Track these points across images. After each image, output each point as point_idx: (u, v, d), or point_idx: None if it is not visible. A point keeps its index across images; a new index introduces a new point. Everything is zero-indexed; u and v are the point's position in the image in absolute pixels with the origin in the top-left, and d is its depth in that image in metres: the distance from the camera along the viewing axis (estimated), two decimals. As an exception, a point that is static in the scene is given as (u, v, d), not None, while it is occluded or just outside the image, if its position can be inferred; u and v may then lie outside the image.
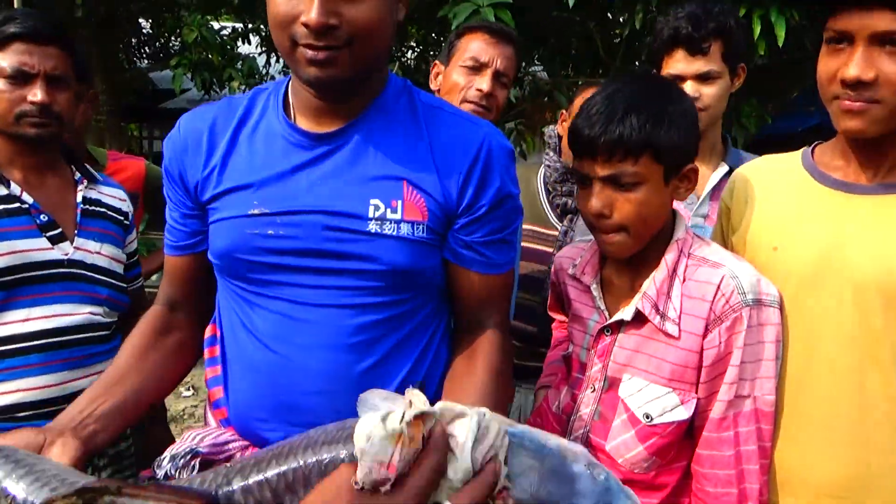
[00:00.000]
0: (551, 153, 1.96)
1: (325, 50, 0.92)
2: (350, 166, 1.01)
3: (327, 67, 0.93)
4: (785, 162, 1.23)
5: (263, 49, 5.42)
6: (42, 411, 1.39)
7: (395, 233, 0.98)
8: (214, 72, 4.15)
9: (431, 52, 5.17)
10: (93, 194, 1.57)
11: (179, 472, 0.98)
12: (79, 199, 1.54)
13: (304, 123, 1.04)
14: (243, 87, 4.34)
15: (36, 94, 1.40)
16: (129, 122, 9.68)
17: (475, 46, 1.68)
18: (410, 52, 5.38)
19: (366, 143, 1.02)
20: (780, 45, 3.12)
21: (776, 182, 1.21)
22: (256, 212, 1.00)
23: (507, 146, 1.08)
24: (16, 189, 1.43)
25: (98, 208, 1.57)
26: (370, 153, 1.02)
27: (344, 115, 1.03)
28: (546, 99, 4.32)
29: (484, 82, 1.64)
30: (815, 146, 1.21)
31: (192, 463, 0.99)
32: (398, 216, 0.99)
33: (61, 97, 1.45)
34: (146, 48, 6.57)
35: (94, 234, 1.53)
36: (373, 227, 0.98)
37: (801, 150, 1.22)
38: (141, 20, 5.54)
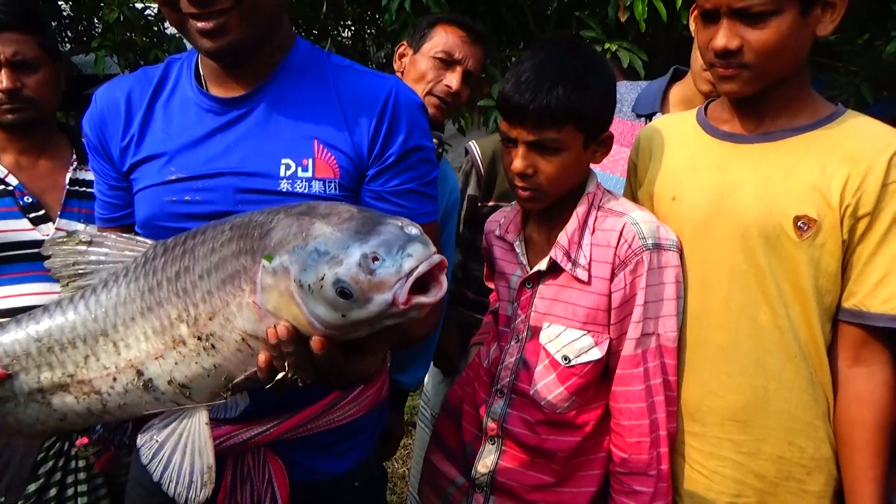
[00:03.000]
0: None
1: (214, 18, 0.93)
2: (261, 127, 1.03)
3: (220, 36, 0.94)
4: (682, 119, 1.33)
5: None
6: None
7: (306, 191, 1.01)
8: (139, 53, 4.02)
9: (368, 31, 5.14)
10: (84, 175, 1.60)
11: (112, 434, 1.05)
12: (66, 180, 1.57)
13: (214, 90, 1.06)
14: (173, 70, 4.19)
15: (1, 81, 1.45)
16: (54, 111, 9.20)
17: (450, 41, 1.65)
18: (347, 31, 5.34)
19: (276, 104, 1.04)
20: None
21: (674, 137, 1.30)
22: (174, 178, 1.03)
23: (416, 99, 1.10)
24: (1, 171, 1.50)
25: (87, 189, 1.59)
26: (280, 113, 1.04)
27: (252, 77, 1.05)
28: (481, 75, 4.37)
29: (454, 80, 1.62)
30: (708, 103, 1.31)
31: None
32: (309, 174, 1.01)
33: (30, 80, 1.50)
34: (68, 32, 6.28)
35: (80, 215, 1.56)
36: (284, 185, 1.00)
37: (697, 107, 1.33)
38: (60, 2, 5.29)
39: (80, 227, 1.55)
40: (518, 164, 1.18)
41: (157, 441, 0.87)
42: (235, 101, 1.05)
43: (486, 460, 1.29)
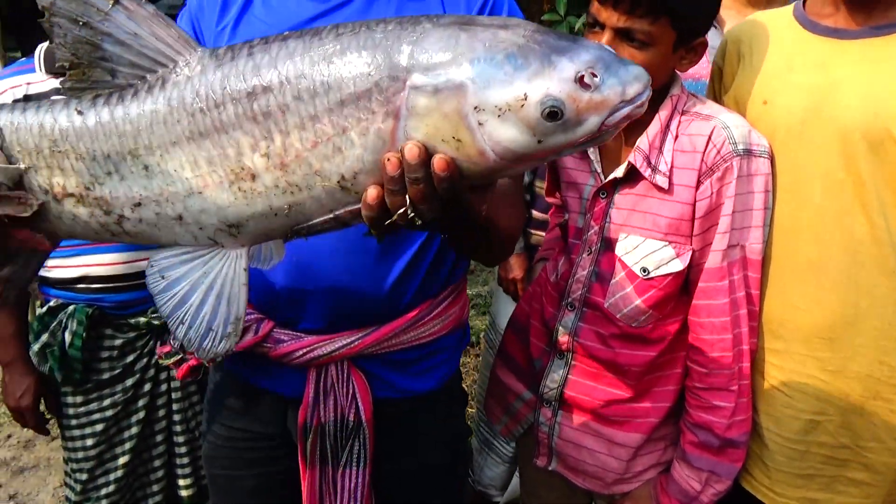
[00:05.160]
0: None
1: None
2: (362, 17, 1.00)
3: None
4: (776, 17, 1.22)
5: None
6: (109, 286, 1.50)
7: None
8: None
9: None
10: None
11: None
12: None
13: None
14: None
15: None
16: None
17: None
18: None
19: None
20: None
21: (767, 37, 1.20)
22: None
23: None
24: None
25: None
26: (382, 5, 1.02)
27: None
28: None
29: None
30: None
31: None
32: None
33: None
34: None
35: None
36: None
37: (793, 3, 1.22)
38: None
39: None
40: None
41: (176, 273, 0.74)
42: None
43: (555, 375, 1.27)
